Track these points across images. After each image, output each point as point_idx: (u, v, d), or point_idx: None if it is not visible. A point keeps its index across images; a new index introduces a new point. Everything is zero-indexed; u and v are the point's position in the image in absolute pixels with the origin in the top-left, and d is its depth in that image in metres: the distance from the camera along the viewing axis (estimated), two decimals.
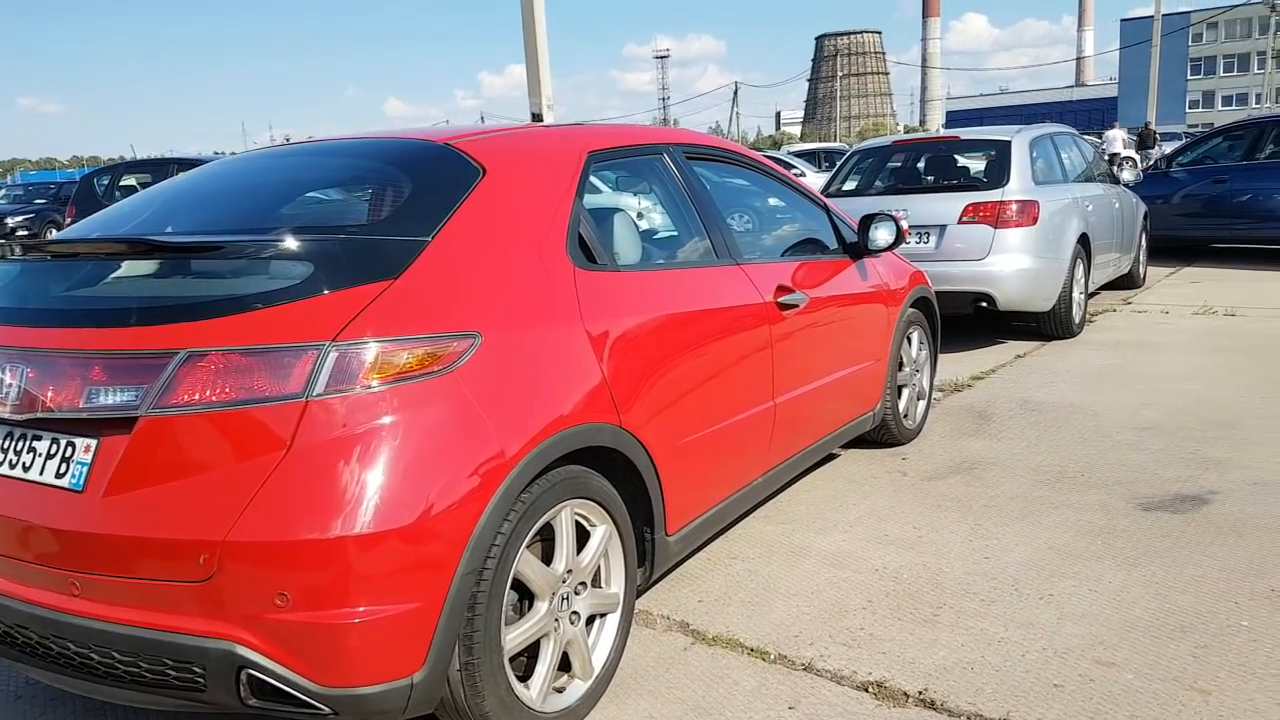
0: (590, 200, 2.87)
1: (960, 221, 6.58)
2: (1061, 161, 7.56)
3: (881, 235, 4.13)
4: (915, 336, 4.78)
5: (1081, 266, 7.23)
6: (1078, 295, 7.17)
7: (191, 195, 2.76)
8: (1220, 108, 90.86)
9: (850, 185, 7.65)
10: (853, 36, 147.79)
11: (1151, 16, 37.28)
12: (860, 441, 4.58)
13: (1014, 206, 6.54)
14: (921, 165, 7.79)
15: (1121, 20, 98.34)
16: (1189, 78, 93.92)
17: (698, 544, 3.10)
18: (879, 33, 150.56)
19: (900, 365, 4.62)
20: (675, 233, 3.28)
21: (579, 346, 2.42)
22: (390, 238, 2.21)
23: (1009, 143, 6.93)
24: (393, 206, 2.40)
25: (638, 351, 2.63)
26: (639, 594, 2.98)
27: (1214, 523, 3.55)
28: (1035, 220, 6.57)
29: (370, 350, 1.97)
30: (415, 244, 2.19)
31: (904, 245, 6.53)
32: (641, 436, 2.59)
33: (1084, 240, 7.21)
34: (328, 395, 1.92)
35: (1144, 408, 5.14)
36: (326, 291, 2.01)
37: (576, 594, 2.40)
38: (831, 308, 3.86)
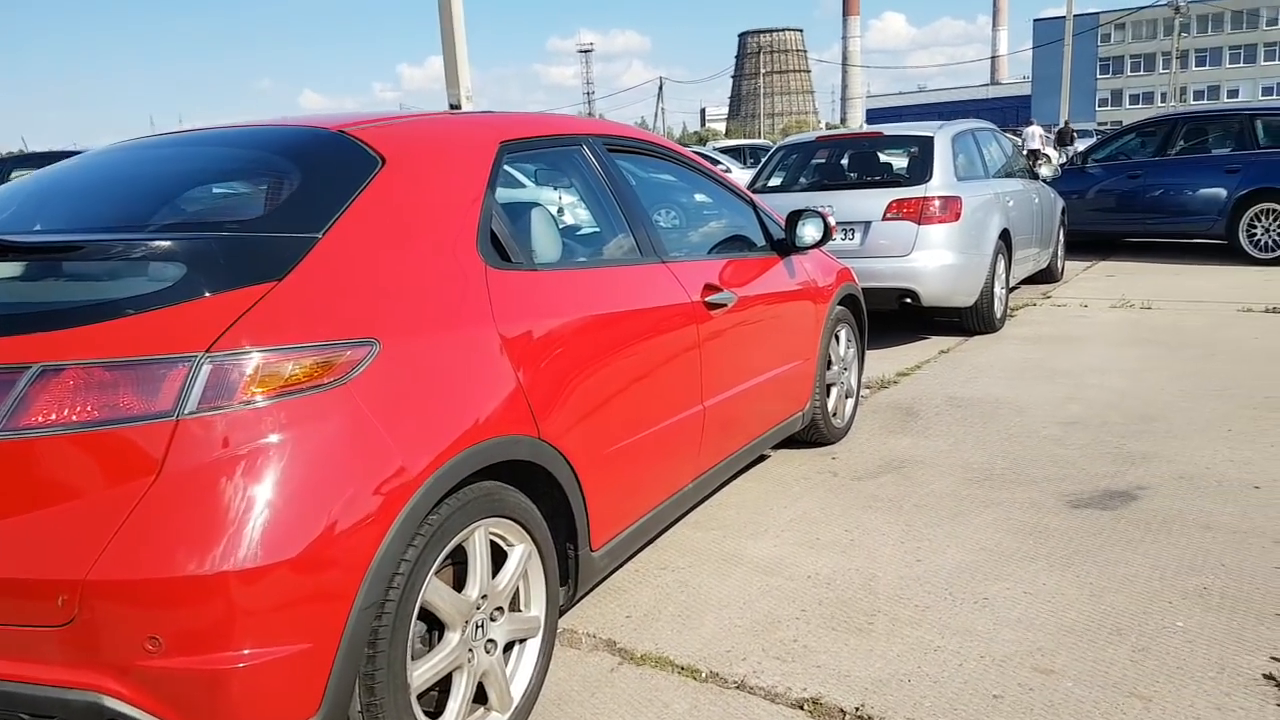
0: (504, 194, 2.70)
1: (884, 218, 6.54)
2: (983, 157, 7.60)
3: (809, 232, 4.03)
4: (843, 334, 4.70)
5: (1003, 262, 7.26)
6: (999, 290, 7.20)
7: (59, 190, 2.50)
8: (1128, 105, 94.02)
9: (776, 181, 7.58)
10: (775, 34, 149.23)
11: (1063, 17, 38.29)
12: (790, 441, 4.49)
13: (937, 203, 6.53)
14: (846, 161, 7.76)
15: (1034, 20, 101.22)
16: (1098, 76, 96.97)
17: (625, 557, 2.95)
18: (800, 30, 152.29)
19: (829, 364, 4.53)
20: (597, 229, 3.12)
21: (491, 352, 2.25)
22: (275, 235, 2.01)
23: (931, 139, 6.92)
24: (279, 200, 2.19)
25: (557, 356, 2.46)
26: (562, 612, 2.81)
27: (1143, 519, 3.52)
28: (958, 216, 6.57)
29: (250, 361, 1.77)
30: (303, 241, 1.99)
31: (830, 242, 6.49)
32: (562, 447, 2.43)
33: (1005, 236, 7.25)
34: (202, 413, 1.72)
35: (1068, 402, 5.15)
36: (200, 296, 1.81)
37: (492, 620, 2.22)
38: (760, 306, 3.74)
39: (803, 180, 7.59)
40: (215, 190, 2.43)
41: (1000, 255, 7.15)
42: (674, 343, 3.06)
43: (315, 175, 2.25)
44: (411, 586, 1.92)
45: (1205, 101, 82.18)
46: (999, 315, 7.24)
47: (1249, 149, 9.79)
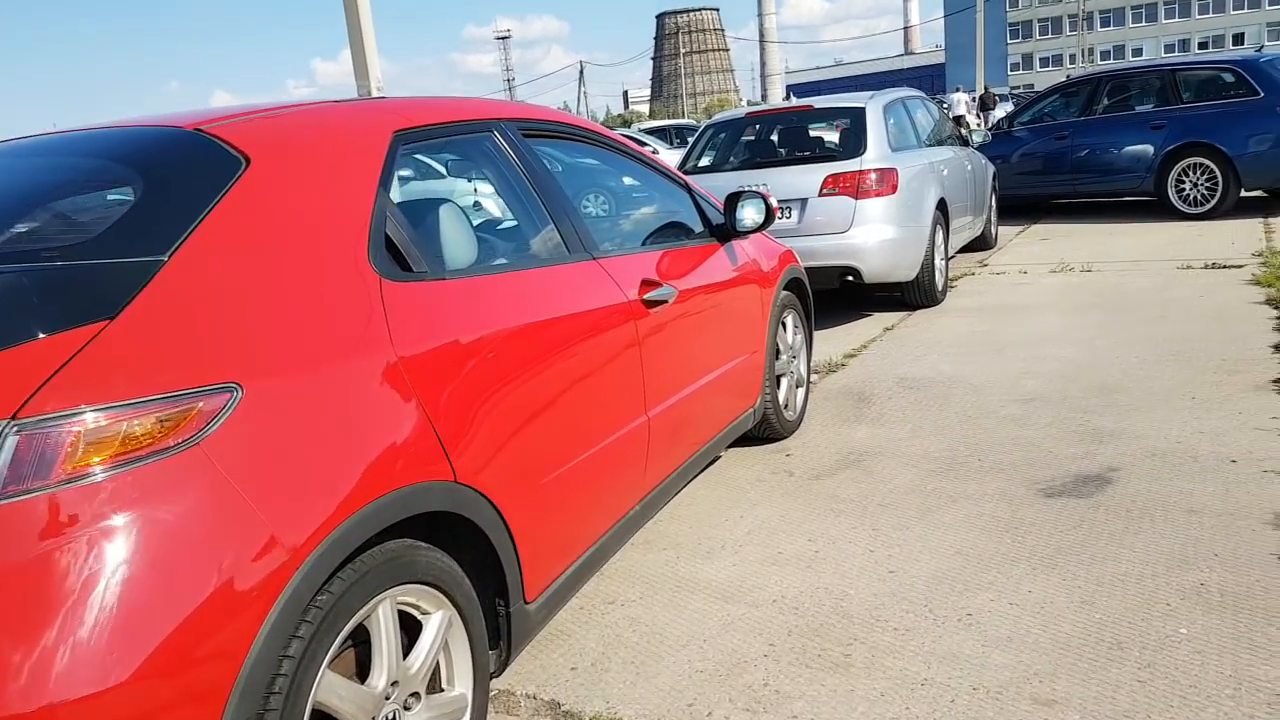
0: (403, 191, 2.32)
1: (821, 194, 6.26)
2: (915, 126, 7.37)
3: (749, 215, 3.71)
4: (790, 320, 4.40)
5: (941, 233, 7.04)
6: (939, 262, 6.98)
7: None
8: (1039, 69, 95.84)
9: (706, 161, 7.25)
10: (692, 14, 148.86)
11: None
12: (742, 439, 4.17)
13: (873, 175, 6.27)
14: (777, 137, 7.45)
15: None
16: (1009, 41, 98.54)
17: (567, 602, 2.59)
18: (717, 9, 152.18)
19: (777, 353, 4.23)
20: (516, 226, 2.76)
21: (389, 383, 1.88)
22: (107, 262, 1.61)
23: (863, 109, 6.66)
24: (116, 218, 1.77)
25: (473, 378, 2.10)
26: (496, 675, 2.46)
27: (1122, 505, 3.28)
28: (895, 189, 6.31)
29: (72, 425, 1.38)
30: (144, 267, 1.60)
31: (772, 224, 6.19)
32: (484, 487, 2.07)
33: (942, 206, 7.03)
34: (10, 497, 1.33)
35: (1023, 377, 4.92)
36: (5, 347, 1.41)
37: (407, 709, 1.85)
38: (703, 299, 3.41)
39: (734, 159, 7.28)
40: (41, 209, 2.00)
41: (938, 226, 6.93)
42: (611, 348, 2.72)
43: (161, 185, 1.85)
44: (298, 688, 1.55)
45: (1112, 61, 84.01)
46: (940, 288, 7.02)
47: (1173, 105, 9.73)
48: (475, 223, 2.47)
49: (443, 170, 3.64)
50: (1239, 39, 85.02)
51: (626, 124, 52.62)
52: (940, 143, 7.89)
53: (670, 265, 3.26)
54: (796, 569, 3.07)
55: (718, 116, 7.55)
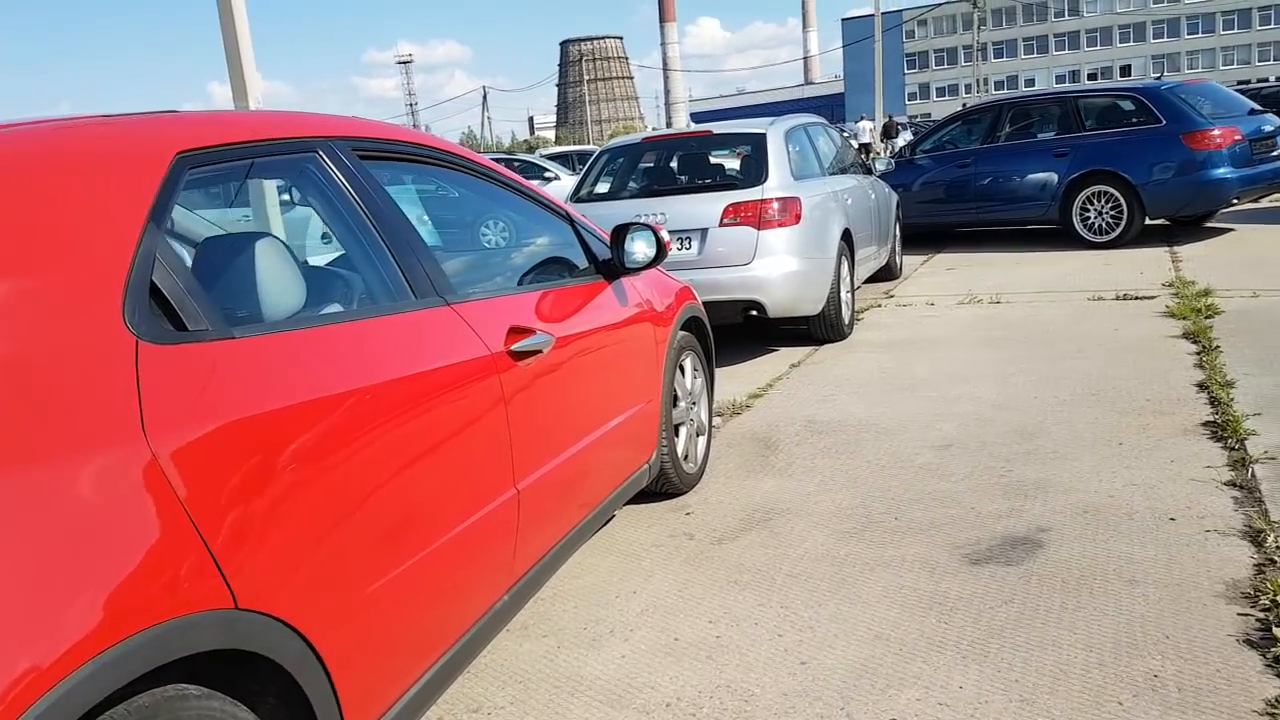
0: (185, 227, 1.84)
1: (722, 224, 5.91)
2: (817, 153, 7.10)
3: (639, 249, 3.30)
4: (689, 364, 4.00)
5: (847, 264, 6.76)
6: (845, 295, 6.70)
7: None
8: (935, 98, 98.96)
9: (602, 188, 6.84)
10: (596, 42, 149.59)
11: (870, 15, 39.40)
12: (637, 495, 3.74)
13: (775, 205, 5.95)
14: (676, 164, 7.11)
15: (843, 20, 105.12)
16: (905, 72, 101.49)
17: None
18: (620, 38, 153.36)
19: (675, 400, 3.82)
20: (342, 267, 2.29)
21: (138, 482, 1.40)
22: None
23: (764, 135, 6.35)
24: None
25: (264, 470, 1.62)
26: None
27: (1057, 574, 2.94)
28: (798, 219, 6.01)
29: None
30: None
31: (664, 259, 5.81)
32: (282, 611, 1.59)
33: (847, 236, 6.75)
34: None
35: (938, 420, 4.61)
36: None
37: None
38: (587, 345, 2.99)
39: (632, 185, 6.89)
40: None
41: (844, 257, 6.65)
42: (466, 413, 2.26)
43: None
44: None
45: (1006, 91, 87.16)
46: (847, 321, 6.73)
47: (1076, 132, 9.73)
48: (286, 265, 2.00)
49: (248, 200, 3.10)
50: (1126, 70, 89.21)
51: (531, 149, 52.13)
52: (843, 171, 7.65)
53: (547, 308, 2.83)
54: (695, 661, 2.64)
55: (613, 142, 7.16)
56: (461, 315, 2.37)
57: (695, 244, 5.95)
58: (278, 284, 1.93)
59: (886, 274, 9.03)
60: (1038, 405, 4.68)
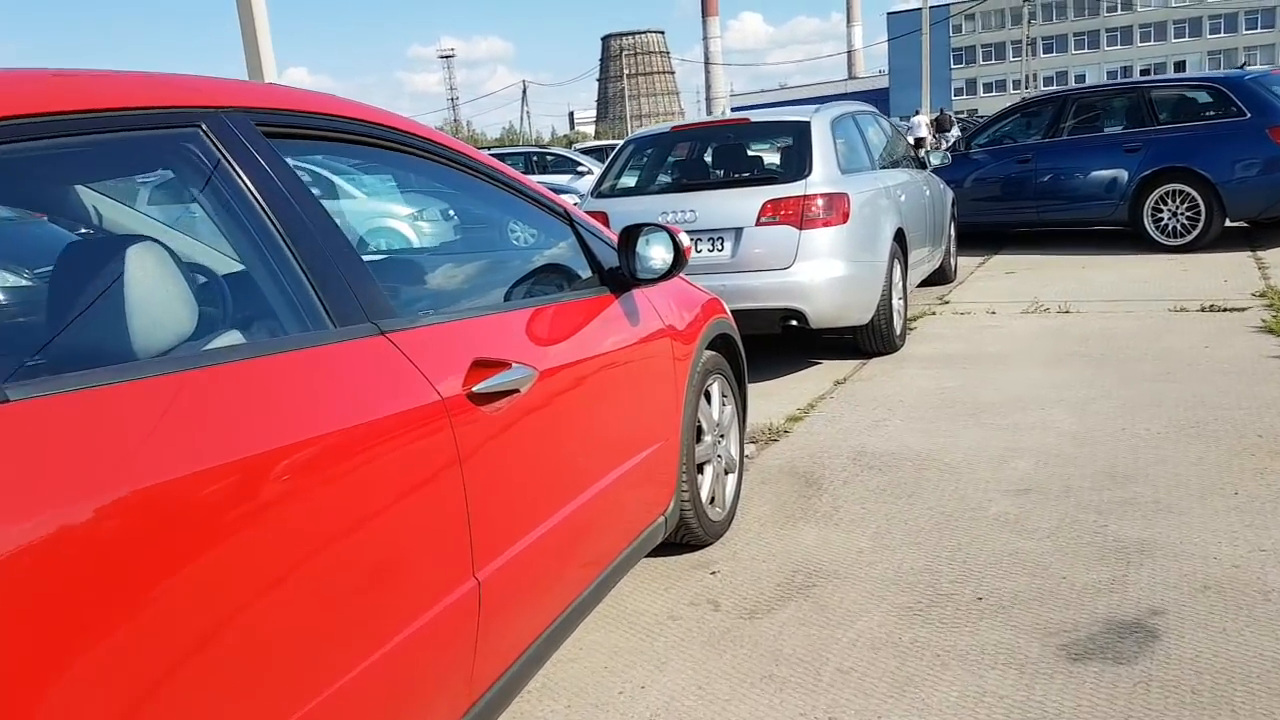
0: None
1: (759, 223, 5.26)
2: (867, 144, 6.41)
3: (655, 255, 2.66)
4: (716, 389, 3.37)
5: (899, 268, 6.08)
6: (897, 301, 6.01)
7: None
8: (982, 94, 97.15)
9: (627, 182, 6.20)
10: (637, 36, 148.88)
11: (916, 9, 38.43)
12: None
13: (820, 201, 5.28)
14: (709, 156, 6.45)
15: (888, 14, 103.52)
16: (952, 67, 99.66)
17: None
18: (662, 32, 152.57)
19: (699, 434, 3.19)
20: (222, 284, 1.68)
21: None
22: None
23: (808, 124, 5.68)
24: None
25: (60, 595, 1.02)
26: None
27: (1183, 681, 2.27)
28: (846, 217, 5.34)
29: None
30: None
31: (695, 256, 5.17)
32: None
33: (900, 236, 6.07)
34: None
35: (1010, 455, 3.94)
36: None
37: None
38: (583, 377, 2.37)
39: (659, 179, 6.25)
40: None
41: (896, 260, 5.96)
42: (396, 485, 1.65)
43: None
44: None
45: (1055, 86, 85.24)
46: (899, 331, 6.05)
47: (1149, 126, 8.94)
48: (127, 284, 1.40)
49: (93, 192, 2.48)
50: (1180, 66, 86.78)
51: (569, 144, 51.57)
52: (895, 164, 6.95)
53: (532, 332, 2.22)
54: None
55: (639, 131, 6.51)
56: (400, 347, 1.75)
57: (728, 245, 5.31)
58: (102, 315, 1.33)
59: (940, 277, 8.31)
60: (1127, 439, 3.99)
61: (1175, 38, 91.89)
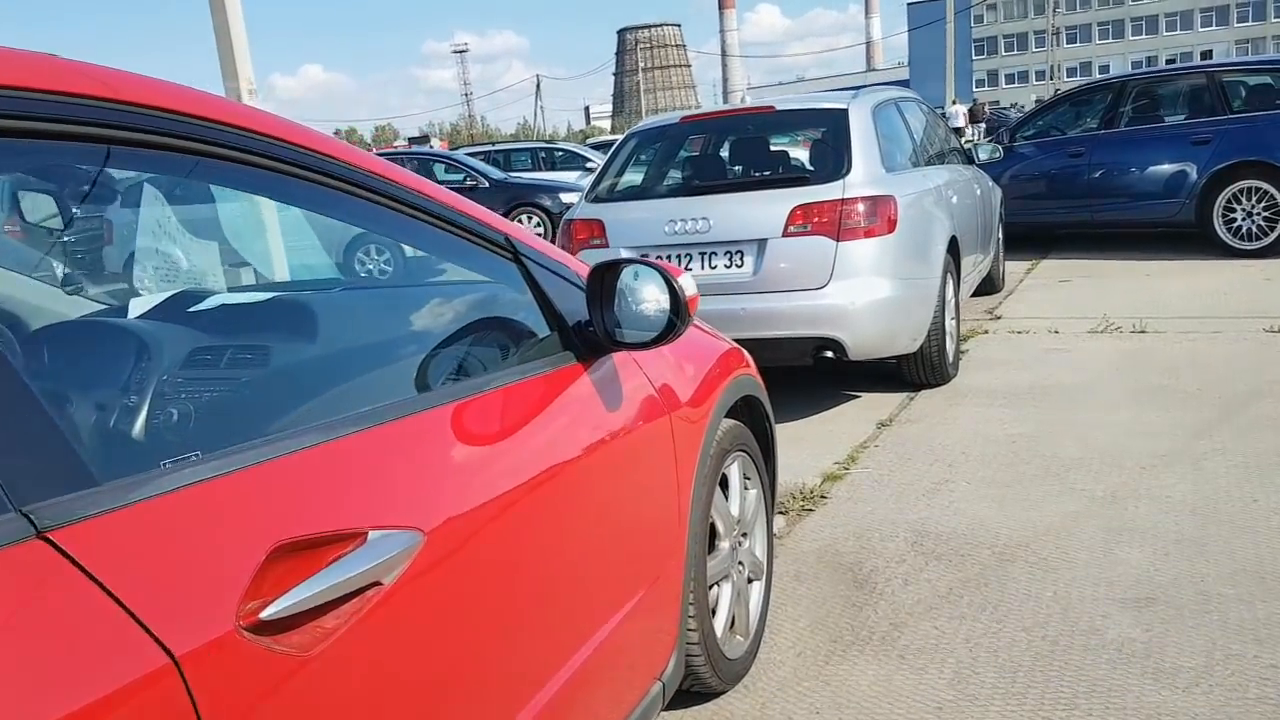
0: None
1: (787, 233, 4.35)
2: (913, 136, 5.48)
3: (645, 307, 1.76)
4: (736, 472, 2.47)
5: (951, 282, 5.15)
6: (950, 323, 5.09)
7: None
8: (1004, 85, 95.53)
9: (629, 183, 5.27)
10: (653, 29, 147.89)
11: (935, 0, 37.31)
12: None
13: (861, 207, 4.36)
14: (727, 152, 5.53)
15: (909, 4, 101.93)
16: (974, 58, 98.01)
17: None
18: (679, 25, 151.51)
19: (711, 539, 2.29)
20: None
21: None
22: None
23: (845, 112, 4.76)
24: None
25: None
26: None
27: None
28: (892, 225, 4.42)
29: None
30: None
31: (710, 274, 4.27)
32: None
33: (953, 246, 5.15)
34: None
35: (1115, 539, 3.02)
36: None
37: None
38: (517, 522, 1.47)
39: (669, 180, 5.32)
40: None
41: (949, 274, 5.04)
42: None
43: None
44: None
45: (1079, 78, 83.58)
46: (951, 358, 5.12)
47: (1219, 114, 7.96)
48: None
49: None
50: (1207, 55, 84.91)
51: (584, 139, 50.51)
52: (942, 159, 6.02)
53: (425, 456, 1.33)
54: None
55: (644, 122, 5.57)
56: (84, 562, 0.87)
57: (749, 260, 4.40)
58: None
59: (988, 286, 7.35)
60: (1265, 516, 3.07)
61: (1202, 26, 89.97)
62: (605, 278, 1.71)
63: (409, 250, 1.77)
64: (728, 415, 2.38)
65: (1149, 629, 2.51)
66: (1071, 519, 3.24)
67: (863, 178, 4.46)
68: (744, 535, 2.51)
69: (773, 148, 5.29)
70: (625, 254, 4.57)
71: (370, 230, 1.68)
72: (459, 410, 1.44)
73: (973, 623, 2.63)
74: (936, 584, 2.87)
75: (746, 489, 2.55)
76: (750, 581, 2.56)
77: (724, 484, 2.39)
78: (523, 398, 1.60)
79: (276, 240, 1.88)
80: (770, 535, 2.73)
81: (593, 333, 1.74)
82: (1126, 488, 3.45)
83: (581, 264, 1.92)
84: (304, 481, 1.14)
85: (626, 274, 1.71)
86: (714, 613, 2.28)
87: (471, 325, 1.71)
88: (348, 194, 1.40)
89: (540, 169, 17.49)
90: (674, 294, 1.70)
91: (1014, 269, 8.43)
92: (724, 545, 2.35)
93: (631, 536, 1.85)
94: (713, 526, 2.30)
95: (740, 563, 2.46)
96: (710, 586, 2.29)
